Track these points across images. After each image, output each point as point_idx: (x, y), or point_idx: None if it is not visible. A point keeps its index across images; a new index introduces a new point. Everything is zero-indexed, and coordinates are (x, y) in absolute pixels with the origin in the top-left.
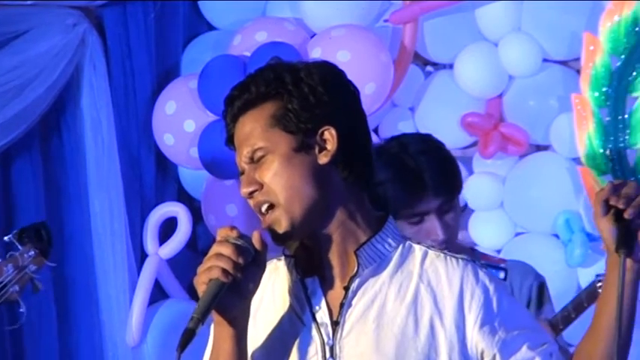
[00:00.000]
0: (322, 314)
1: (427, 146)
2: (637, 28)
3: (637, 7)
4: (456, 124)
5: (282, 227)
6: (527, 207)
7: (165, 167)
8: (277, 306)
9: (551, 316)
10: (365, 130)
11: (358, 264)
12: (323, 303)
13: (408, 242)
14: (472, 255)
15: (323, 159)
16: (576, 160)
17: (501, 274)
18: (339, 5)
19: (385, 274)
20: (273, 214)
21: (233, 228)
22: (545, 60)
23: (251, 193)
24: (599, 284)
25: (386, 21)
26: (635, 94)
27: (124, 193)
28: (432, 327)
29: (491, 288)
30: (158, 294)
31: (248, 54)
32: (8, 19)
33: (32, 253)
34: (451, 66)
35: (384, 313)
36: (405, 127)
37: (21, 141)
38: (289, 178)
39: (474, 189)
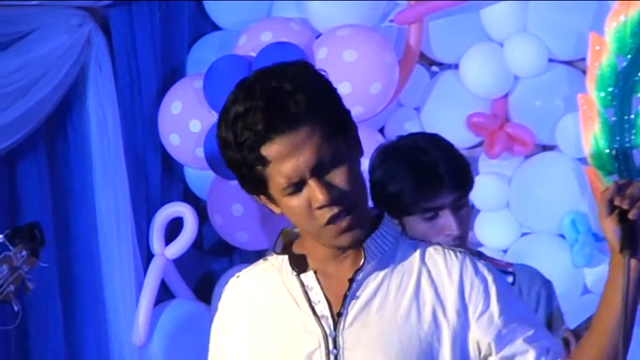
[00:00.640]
0: (322, 307)
1: (438, 142)
2: None
3: None
4: (462, 124)
5: (356, 234)
6: (533, 207)
7: (171, 167)
8: (274, 305)
9: (560, 325)
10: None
11: (365, 257)
12: (322, 296)
13: (405, 239)
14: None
15: (357, 160)
16: (582, 160)
17: (509, 279)
18: (344, 5)
19: (387, 267)
20: (347, 220)
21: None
22: (550, 60)
23: (333, 201)
24: None
25: (391, 21)
26: None
27: (130, 194)
28: (434, 317)
29: (489, 278)
30: (164, 294)
31: (253, 54)
32: (13, 20)
33: (24, 253)
34: (456, 66)
35: (386, 305)
36: (411, 127)
37: (27, 141)
38: (358, 183)
39: (480, 189)
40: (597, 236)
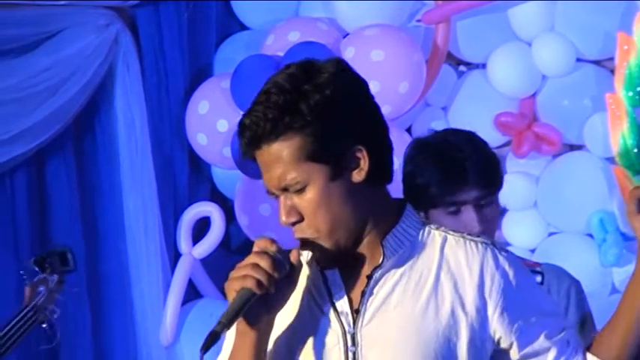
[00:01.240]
0: (342, 303)
1: (470, 138)
2: None
3: None
4: (490, 124)
5: (329, 255)
6: (560, 207)
7: (198, 167)
8: (297, 298)
9: (591, 330)
10: (387, 132)
11: (383, 254)
12: (343, 293)
13: (427, 227)
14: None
15: (357, 177)
16: (610, 160)
17: (538, 278)
18: (371, 5)
19: (406, 264)
20: (318, 241)
21: (273, 241)
22: (578, 60)
23: (293, 223)
24: None
25: (418, 21)
26: None
27: (158, 193)
28: (453, 312)
29: (510, 273)
30: (192, 293)
31: (281, 54)
32: (42, 20)
33: (54, 277)
34: (484, 66)
35: (405, 301)
36: (438, 127)
37: (55, 141)
38: (330, 209)
39: (508, 189)
40: (625, 235)
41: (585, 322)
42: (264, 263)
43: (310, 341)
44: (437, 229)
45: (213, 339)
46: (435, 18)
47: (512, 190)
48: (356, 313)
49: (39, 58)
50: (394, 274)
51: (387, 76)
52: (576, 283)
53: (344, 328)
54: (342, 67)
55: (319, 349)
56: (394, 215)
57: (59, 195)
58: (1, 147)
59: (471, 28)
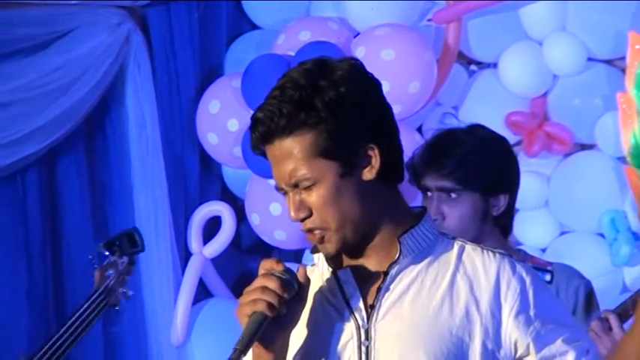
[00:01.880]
0: (356, 300)
1: (479, 134)
2: None
3: None
4: (501, 123)
5: (335, 248)
6: (572, 206)
7: (209, 166)
8: (311, 298)
9: None
10: (397, 130)
11: (400, 251)
12: (356, 290)
13: (445, 237)
14: (519, 257)
15: (368, 175)
16: (621, 159)
17: (547, 277)
18: (382, 4)
19: (423, 263)
20: (326, 236)
21: (279, 262)
22: (589, 59)
23: (302, 219)
24: None
25: (429, 20)
26: None
27: (168, 192)
28: (467, 312)
29: (527, 280)
30: (202, 293)
31: (292, 53)
32: (53, 19)
33: (124, 259)
34: (495, 65)
35: (419, 298)
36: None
37: (66, 140)
38: (340, 206)
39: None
40: (637, 235)
41: (590, 299)
42: (273, 285)
43: (325, 338)
44: (454, 238)
45: None
46: (446, 17)
47: (524, 189)
48: (371, 308)
49: (50, 57)
50: (410, 272)
51: (398, 75)
52: (586, 283)
53: (358, 323)
54: (357, 66)
55: (334, 345)
56: (412, 219)
57: (70, 194)
58: (13, 146)
59: (482, 27)
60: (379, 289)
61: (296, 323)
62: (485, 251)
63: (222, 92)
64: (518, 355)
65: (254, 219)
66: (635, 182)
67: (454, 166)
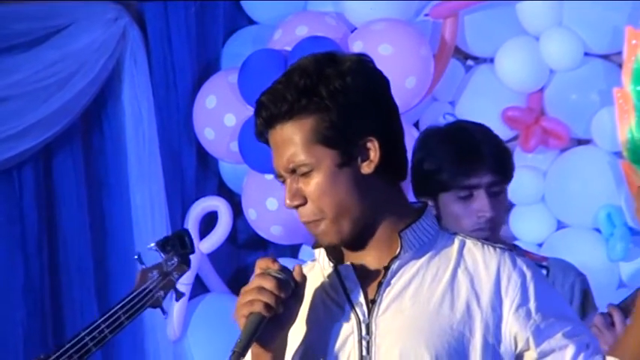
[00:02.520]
0: (357, 295)
1: (483, 128)
2: None
3: None
4: (497, 118)
5: (330, 239)
6: (568, 201)
7: (205, 161)
8: (311, 294)
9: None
10: (401, 130)
11: (401, 245)
12: (357, 285)
13: (446, 232)
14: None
15: (366, 169)
16: (618, 154)
17: (543, 272)
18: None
19: (424, 258)
20: (320, 226)
21: (274, 261)
22: (586, 54)
23: (296, 206)
24: None
25: (426, 15)
26: None
27: (165, 188)
28: (468, 307)
29: (528, 274)
30: (199, 288)
31: (289, 48)
32: (49, 14)
33: (175, 260)
34: (492, 60)
35: (420, 293)
36: (448, 119)
37: (62, 135)
38: (336, 195)
39: (515, 183)
40: (633, 230)
41: (586, 295)
42: (269, 285)
43: (325, 333)
44: (455, 233)
45: None
46: (443, 12)
47: (520, 184)
48: (371, 303)
49: (46, 52)
50: (412, 267)
51: (395, 70)
52: (582, 278)
53: (359, 317)
54: (366, 61)
55: (334, 340)
56: (413, 215)
57: (67, 189)
58: (9, 141)
59: (479, 22)
60: (380, 283)
61: (294, 321)
62: (485, 246)
63: (219, 87)
64: (518, 349)
65: (250, 214)
66: (632, 177)
67: (495, 159)
